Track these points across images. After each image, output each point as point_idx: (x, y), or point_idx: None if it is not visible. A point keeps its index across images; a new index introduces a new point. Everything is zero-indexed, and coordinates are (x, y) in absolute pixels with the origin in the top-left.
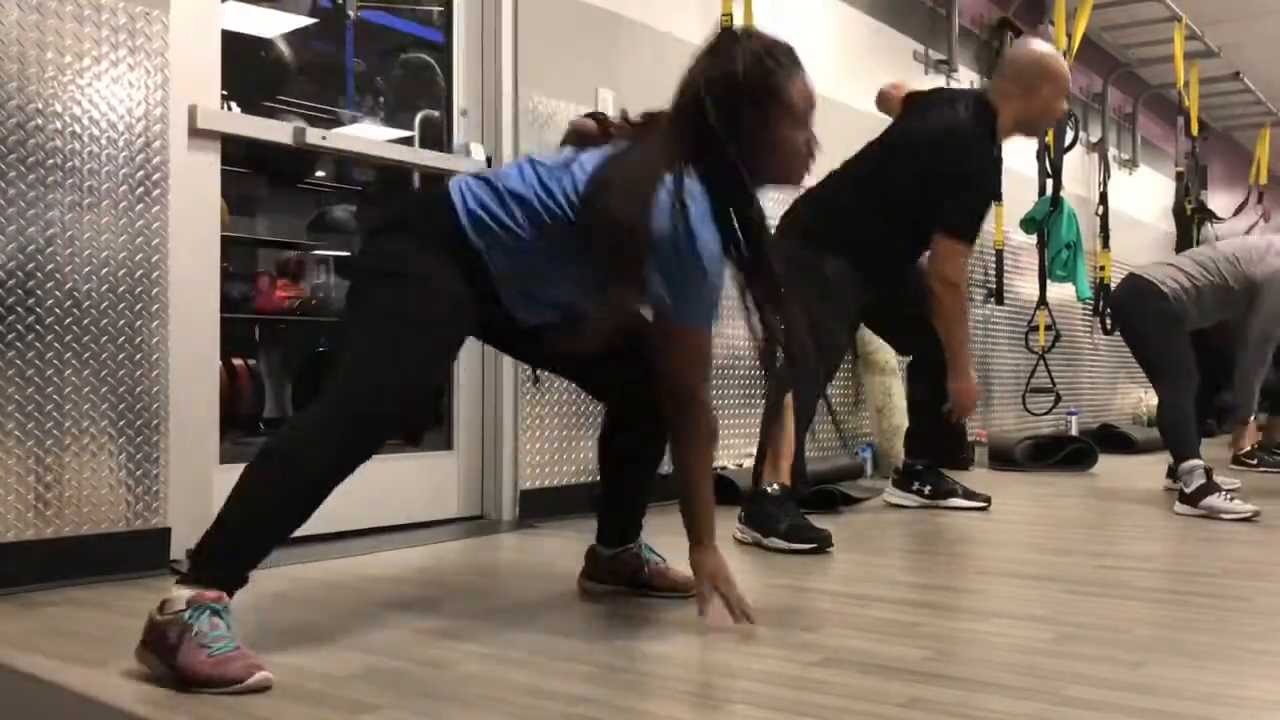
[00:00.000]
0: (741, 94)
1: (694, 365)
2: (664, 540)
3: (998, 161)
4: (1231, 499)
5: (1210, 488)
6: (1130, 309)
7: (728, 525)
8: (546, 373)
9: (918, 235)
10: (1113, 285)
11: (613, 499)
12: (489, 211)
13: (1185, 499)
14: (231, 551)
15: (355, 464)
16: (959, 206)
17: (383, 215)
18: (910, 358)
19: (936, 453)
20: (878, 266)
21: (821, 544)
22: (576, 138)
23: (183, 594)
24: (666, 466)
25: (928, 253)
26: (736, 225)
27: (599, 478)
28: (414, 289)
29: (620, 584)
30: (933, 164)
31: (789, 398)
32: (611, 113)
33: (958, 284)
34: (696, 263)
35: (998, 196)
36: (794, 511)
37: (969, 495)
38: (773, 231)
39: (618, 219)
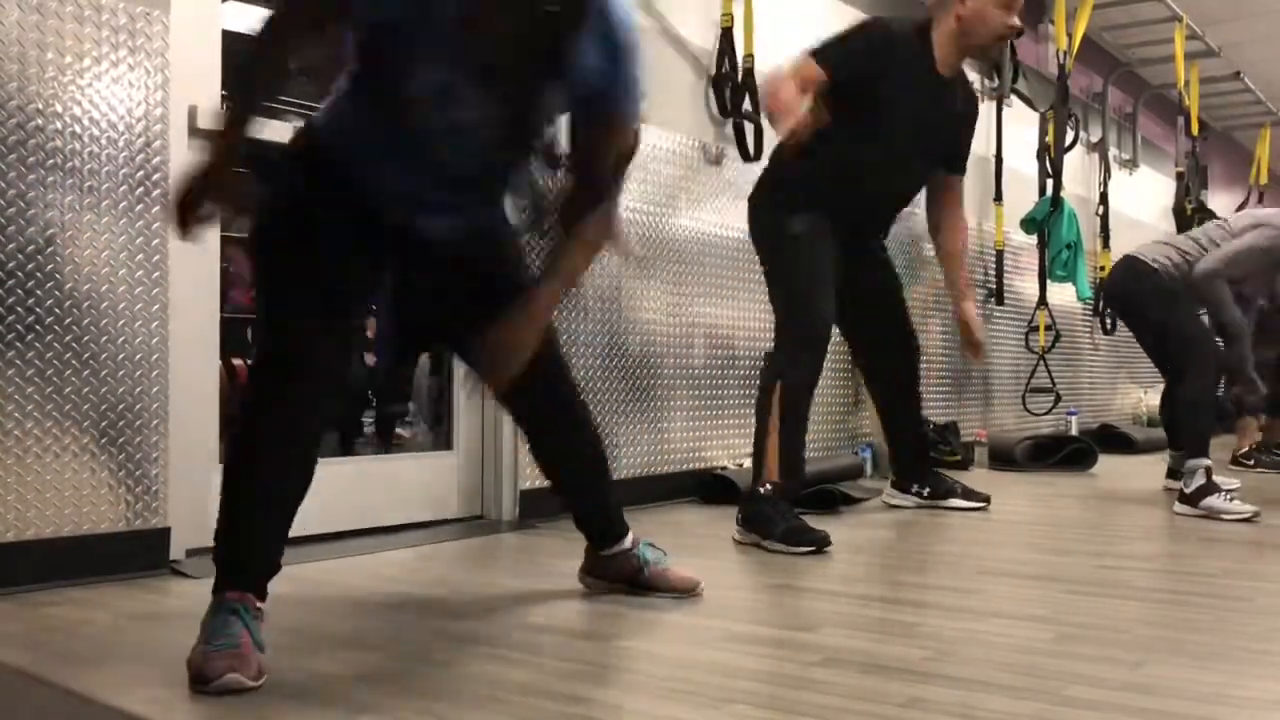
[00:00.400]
0: None
1: (627, 158)
2: (664, 541)
3: (936, 80)
4: (1231, 499)
5: (1210, 488)
6: (1125, 291)
7: (727, 526)
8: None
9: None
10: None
11: (573, 505)
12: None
13: (1185, 499)
14: (230, 550)
15: (287, 420)
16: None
17: None
18: (864, 359)
19: (918, 452)
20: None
21: (819, 545)
22: None
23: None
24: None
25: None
26: None
27: (550, 488)
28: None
29: (619, 583)
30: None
31: (778, 388)
32: None
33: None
34: (629, 31)
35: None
36: (789, 512)
37: (969, 495)
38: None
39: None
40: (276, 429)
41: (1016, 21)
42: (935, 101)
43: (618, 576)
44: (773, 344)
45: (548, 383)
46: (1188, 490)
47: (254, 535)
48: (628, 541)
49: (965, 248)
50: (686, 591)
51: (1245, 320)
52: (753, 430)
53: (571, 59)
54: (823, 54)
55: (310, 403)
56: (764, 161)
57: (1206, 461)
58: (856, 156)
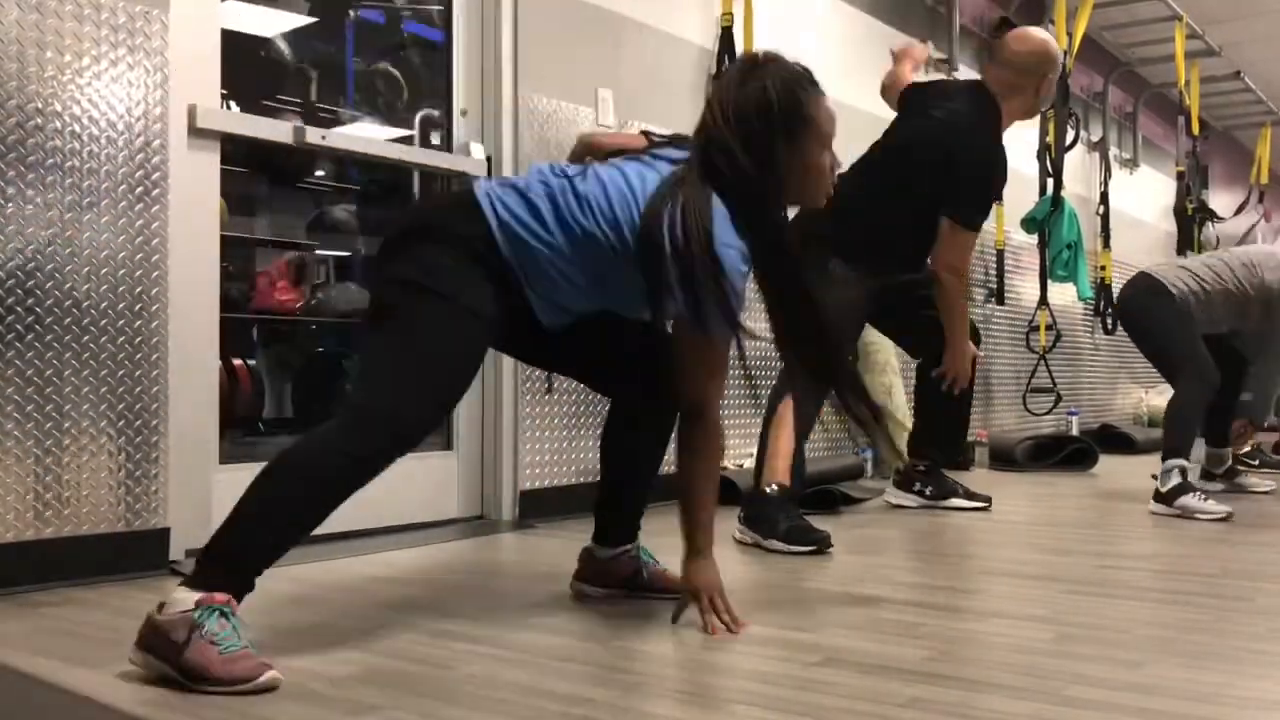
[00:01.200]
0: (775, 124)
1: (710, 377)
2: (663, 542)
3: (1002, 152)
4: (1205, 499)
5: (1185, 488)
6: (1136, 307)
7: (728, 525)
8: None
9: (924, 234)
10: (1114, 285)
11: (613, 499)
12: (521, 222)
13: (1160, 497)
14: (240, 555)
15: (368, 477)
16: (968, 197)
17: (411, 219)
18: (919, 360)
19: (940, 450)
20: (883, 264)
21: (820, 545)
22: (585, 150)
23: (189, 596)
24: (667, 466)
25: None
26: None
27: (600, 476)
28: (449, 306)
29: (615, 587)
30: (940, 158)
31: (789, 399)
32: (611, 112)
33: (963, 272)
34: (716, 266)
35: (1001, 187)
36: (793, 513)
37: (970, 495)
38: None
39: (688, 248)
40: (344, 485)
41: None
42: None
43: (614, 579)
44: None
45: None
46: (1163, 489)
47: (266, 556)
48: (632, 546)
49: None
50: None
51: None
52: (754, 430)
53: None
54: (981, 225)
55: (381, 470)
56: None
57: (1183, 462)
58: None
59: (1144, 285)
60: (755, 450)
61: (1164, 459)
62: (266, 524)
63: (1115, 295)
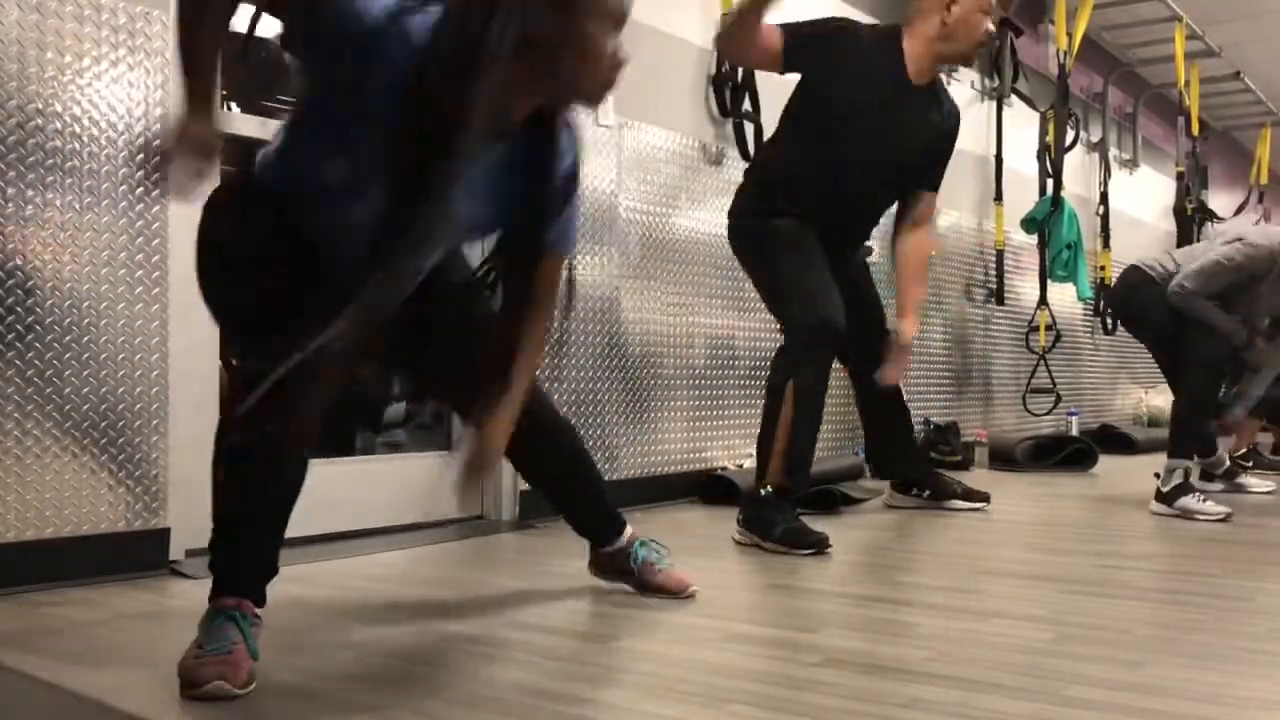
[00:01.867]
0: None
1: (559, 296)
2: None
3: (906, 85)
4: (1205, 500)
5: (1186, 488)
6: (1127, 300)
7: (727, 526)
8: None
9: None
10: (1113, 285)
11: (563, 509)
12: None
13: (1161, 498)
14: (228, 558)
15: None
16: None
17: None
18: (854, 365)
19: (902, 465)
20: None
21: (819, 547)
22: None
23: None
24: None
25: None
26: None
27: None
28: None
29: (617, 579)
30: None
31: (790, 388)
32: (610, 112)
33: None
34: (575, 184)
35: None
36: (790, 514)
37: (969, 495)
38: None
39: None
40: (269, 450)
41: (993, 26)
42: (906, 107)
43: (615, 572)
44: (779, 346)
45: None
46: (1165, 489)
47: (254, 542)
48: (624, 539)
49: (923, 268)
50: (674, 593)
51: (1239, 329)
52: (754, 430)
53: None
54: (789, 26)
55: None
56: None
57: (1187, 463)
58: (825, 156)
59: (1125, 280)
60: (754, 450)
61: (1168, 457)
62: (232, 517)
63: (1110, 296)
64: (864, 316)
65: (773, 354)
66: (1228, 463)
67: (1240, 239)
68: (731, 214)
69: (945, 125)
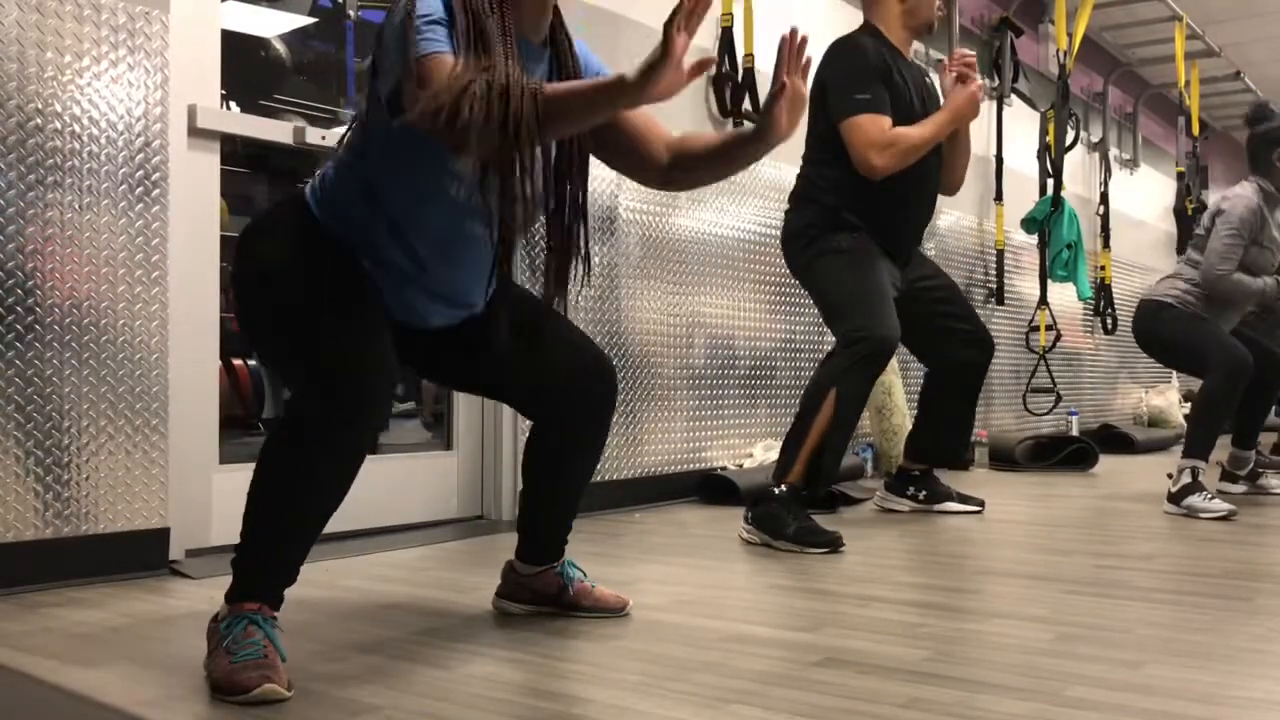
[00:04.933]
0: None
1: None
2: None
3: (910, 65)
4: (1210, 498)
5: (1194, 487)
6: (1148, 329)
7: (727, 526)
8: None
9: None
10: (1113, 285)
11: (538, 513)
12: (326, 177)
13: (1171, 498)
14: (254, 565)
15: (341, 458)
16: (841, 95)
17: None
18: (929, 366)
19: (940, 452)
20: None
21: (833, 546)
22: None
23: (225, 607)
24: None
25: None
26: None
27: (522, 492)
28: (300, 283)
29: (541, 604)
30: (816, 94)
31: (832, 394)
32: None
33: (889, 158)
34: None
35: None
36: (801, 513)
37: (963, 500)
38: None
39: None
40: (320, 472)
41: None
42: (925, 90)
43: (540, 597)
44: (831, 350)
45: (594, 396)
46: (1174, 489)
47: (290, 552)
48: (556, 562)
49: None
50: (615, 610)
51: (1272, 285)
52: (754, 430)
53: None
54: (871, 101)
55: (350, 446)
56: (764, 163)
57: (1197, 463)
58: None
59: (1143, 312)
60: (754, 449)
61: (1182, 456)
62: (272, 527)
63: (1115, 300)
64: (942, 310)
65: (772, 354)
66: (1252, 464)
67: (1221, 212)
68: (791, 233)
69: (930, 81)
